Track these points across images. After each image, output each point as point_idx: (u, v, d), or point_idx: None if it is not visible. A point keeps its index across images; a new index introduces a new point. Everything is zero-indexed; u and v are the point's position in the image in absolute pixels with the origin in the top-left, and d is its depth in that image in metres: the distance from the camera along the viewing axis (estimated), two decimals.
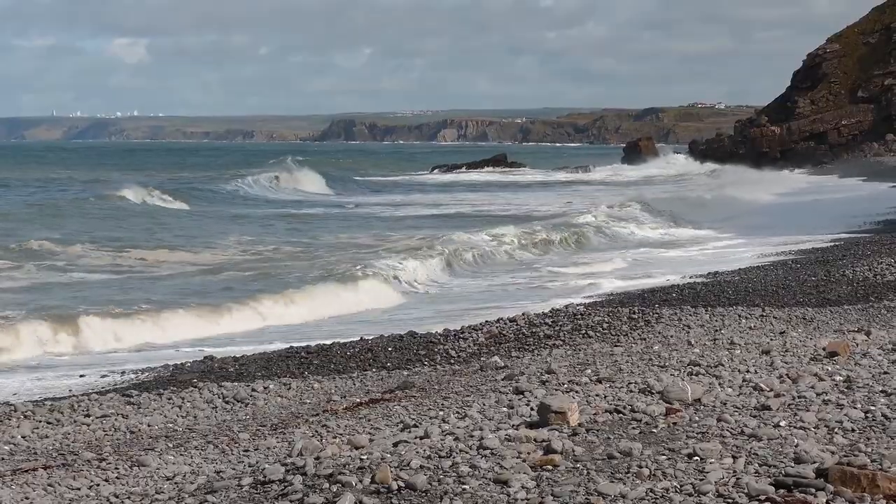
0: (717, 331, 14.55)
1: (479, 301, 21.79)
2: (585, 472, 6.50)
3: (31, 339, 16.98)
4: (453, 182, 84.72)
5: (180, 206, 51.87)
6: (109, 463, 9.14)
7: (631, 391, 9.27)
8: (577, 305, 18.37)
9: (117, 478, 8.56)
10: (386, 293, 22.66)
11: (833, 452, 6.61)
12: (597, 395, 9.23)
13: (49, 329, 17.48)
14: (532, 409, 8.63)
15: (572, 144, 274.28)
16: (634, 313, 16.46)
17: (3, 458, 10.02)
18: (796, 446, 6.75)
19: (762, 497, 5.88)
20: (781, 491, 5.95)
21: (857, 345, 11.37)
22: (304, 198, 63.78)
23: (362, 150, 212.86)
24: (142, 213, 45.67)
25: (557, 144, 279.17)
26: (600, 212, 39.73)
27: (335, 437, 9.18)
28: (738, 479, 6.17)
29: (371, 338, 16.11)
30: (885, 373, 9.29)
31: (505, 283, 24.81)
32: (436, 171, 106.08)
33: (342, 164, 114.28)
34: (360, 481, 6.55)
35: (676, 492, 6.08)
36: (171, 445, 9.92)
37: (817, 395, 8.32)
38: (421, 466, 6.75)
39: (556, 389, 9.81)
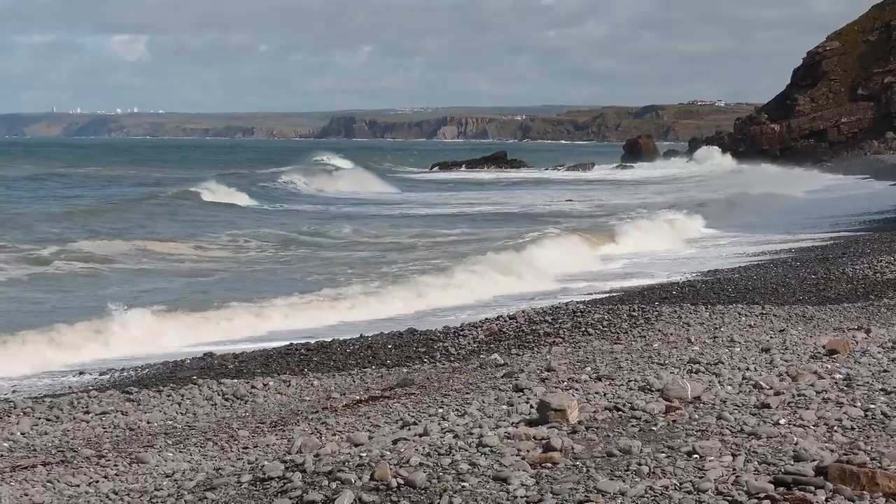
0: (716, 329, 14.53)
1: None
2: (585, 469, 6.50)
3: (34, 339, 16.88)
4: (495, 180, 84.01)
5: (252, 203, 51.25)
6: (109, 460, 9.13)
7: (630, 389, 9.26)
8: (578, 303, 18.36)
9: (116, 474, 8.55)
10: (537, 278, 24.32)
11: (832, 450, 6.61)
12: (596, 393, 9.22)
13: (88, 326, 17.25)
14: (531, 406, 8.62)
15: (577, 142, 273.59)
16: (634, 311, 16.43)
17: (2, 455, 10.02)
18: (796, 444, 6.75)
19: (761, 495, 5.88)
20: (781, 489, 5.95)
21: (857, 343, 11.36)
22: (371, 197, 62.24)
23: (366, 148, 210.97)
24: (224, 211, 45.42)
25: (563, 142, 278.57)
26: (660, 213, 39.80)
27: (334, 435, 9.18)
28: (737, 476, 6.17)
29: (371, 335, 16.12)
30: (885, 371, 9.28)
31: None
32: (435, 168, 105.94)
33: (369, 160, 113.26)
34: (360, 478, 6.54)
35: (676, 489, 6.07)
36: (170, 442, 9.92)
37: (817, 393, 8.31)
38: (420, 464, 6.75)
39: (556, 387, 9.80)
